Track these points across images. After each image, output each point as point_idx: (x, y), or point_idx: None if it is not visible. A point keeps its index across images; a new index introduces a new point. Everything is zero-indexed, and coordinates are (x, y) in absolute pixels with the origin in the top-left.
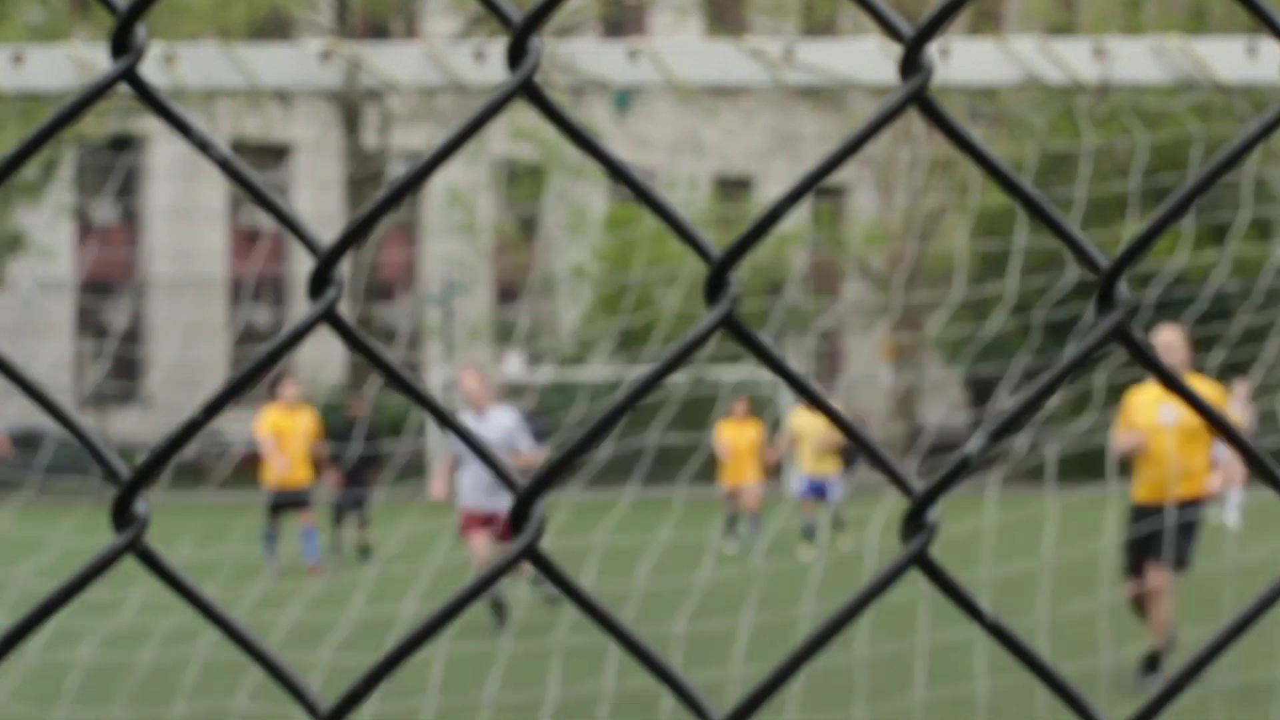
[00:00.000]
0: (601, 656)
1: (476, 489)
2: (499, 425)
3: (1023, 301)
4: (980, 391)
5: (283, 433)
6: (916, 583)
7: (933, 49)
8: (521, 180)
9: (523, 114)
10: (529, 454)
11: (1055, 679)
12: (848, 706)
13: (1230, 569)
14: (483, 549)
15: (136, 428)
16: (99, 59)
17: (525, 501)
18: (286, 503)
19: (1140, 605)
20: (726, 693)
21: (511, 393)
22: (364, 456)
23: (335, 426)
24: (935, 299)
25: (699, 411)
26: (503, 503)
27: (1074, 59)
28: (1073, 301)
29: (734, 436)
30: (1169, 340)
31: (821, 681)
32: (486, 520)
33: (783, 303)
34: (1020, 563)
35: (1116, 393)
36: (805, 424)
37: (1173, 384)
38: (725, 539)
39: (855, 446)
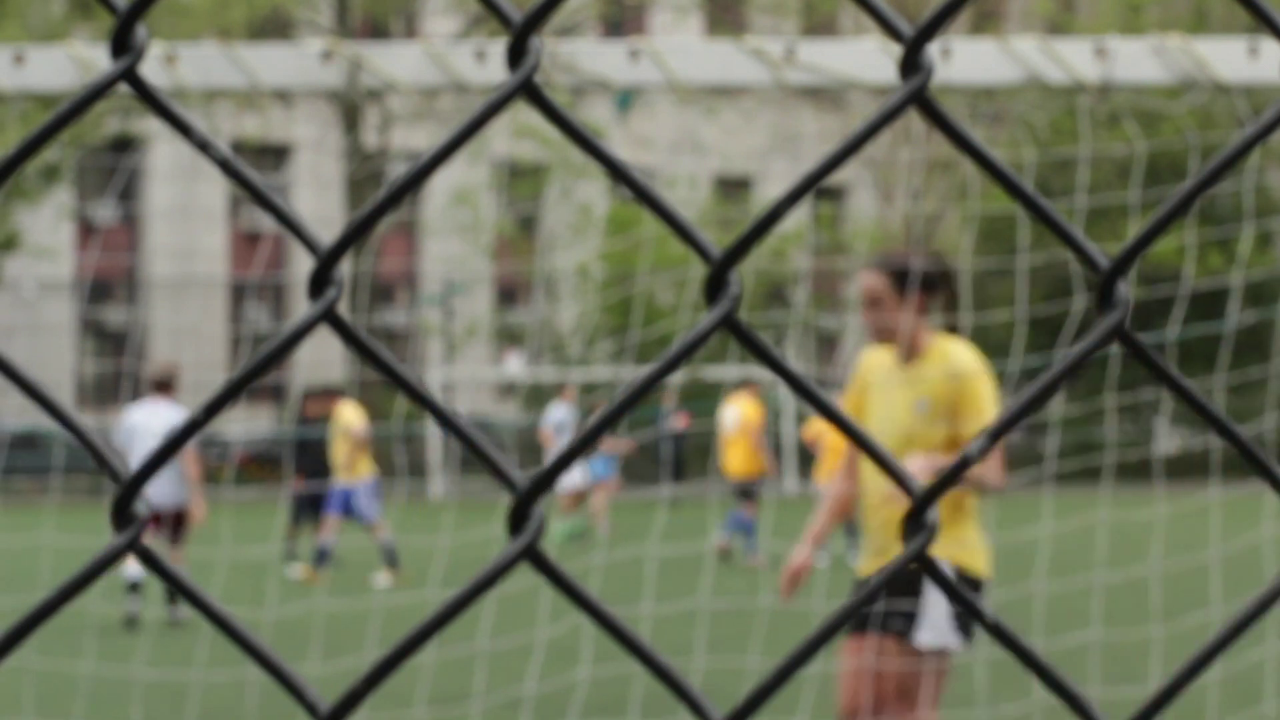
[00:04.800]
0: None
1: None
2: None
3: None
4: None
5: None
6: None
7: (933, 49)
8: (523, 179)
9: (525, 113)
10: None
11: (1055, 678)
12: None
13: (1214, 560)
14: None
15: None
16: (99, 59)
17: (525, 501)
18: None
19: None
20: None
21: (510, 391)
22: (322, 459)
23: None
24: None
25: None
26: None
27: (1075, 58)
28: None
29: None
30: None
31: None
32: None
33: (783, 305)
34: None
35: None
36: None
37: (1175, 385)
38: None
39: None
